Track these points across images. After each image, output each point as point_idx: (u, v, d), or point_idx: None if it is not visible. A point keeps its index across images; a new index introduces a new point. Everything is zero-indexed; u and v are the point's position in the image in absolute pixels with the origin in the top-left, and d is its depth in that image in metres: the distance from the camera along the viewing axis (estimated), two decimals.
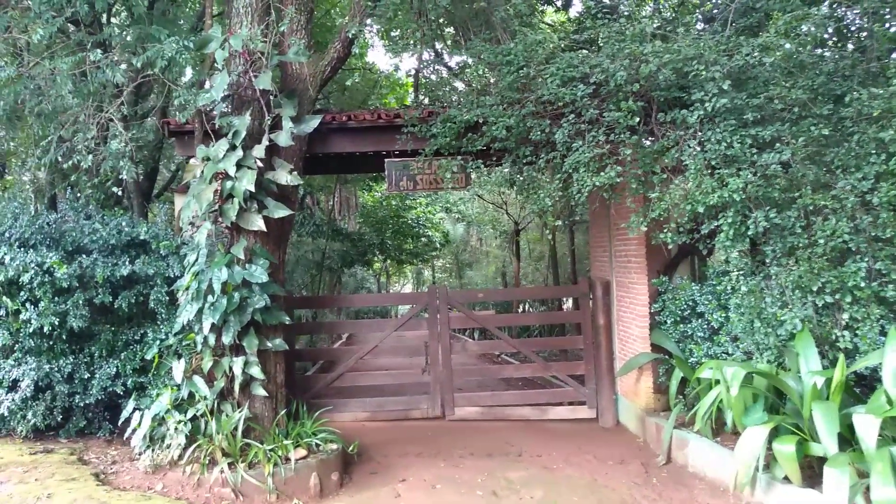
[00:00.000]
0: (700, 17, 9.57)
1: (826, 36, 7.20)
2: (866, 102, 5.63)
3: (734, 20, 7.41)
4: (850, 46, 7.19)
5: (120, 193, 8.21)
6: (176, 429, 5.96)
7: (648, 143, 6.57)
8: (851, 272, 5.21)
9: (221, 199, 6.41)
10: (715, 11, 8.87)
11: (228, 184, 6.34)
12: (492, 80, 7.88)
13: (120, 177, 7.12)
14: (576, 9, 12.23)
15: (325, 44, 7.96)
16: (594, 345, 8.50)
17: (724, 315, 6.47)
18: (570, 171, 6.51)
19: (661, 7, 10.08)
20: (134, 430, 6.24)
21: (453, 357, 8.69)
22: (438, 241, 24.15)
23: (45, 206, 10.03)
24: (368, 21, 10.22)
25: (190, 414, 6.10)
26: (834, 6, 6.98)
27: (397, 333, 8.84)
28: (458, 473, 6.52)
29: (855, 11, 7.03)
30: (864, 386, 5.54)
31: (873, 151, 5.42)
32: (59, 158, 7.02)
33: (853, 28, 7.34)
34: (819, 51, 7.09)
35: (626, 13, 8.93)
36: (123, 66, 6.97)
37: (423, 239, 22.74)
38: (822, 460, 4.80)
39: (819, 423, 4.84)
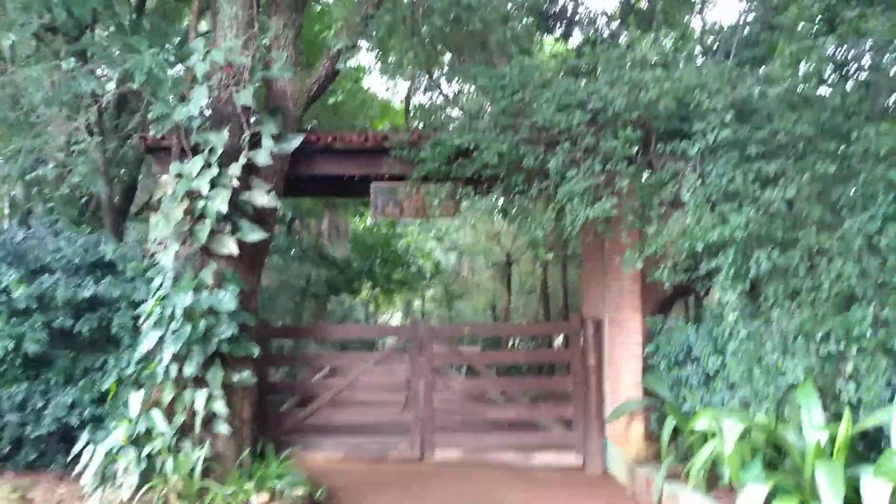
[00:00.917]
0: (700, 49, 9.37)
1: (827, 73, 6.95)
2: (873, 140, 5.35)
3: (737, 52, 7.17)
4: (850, 84, 6.94)
5: (94, 210, 7.86)
6: (128, 467, 5.50)
7: (646, 174, 6.28)
8: (857, 320, 4.85)
9: (193, 219, 6.05)
10: (717, 45, 8.66)
11: (200, 203, 5.99)
12: (487, 106, 7.59)
13: (94, 189, 6.74)
14: (576, 39, 12.05)
15: (316, 64, 7.68)
16: (584, 386, 8.07)
17: (720, 361, 6.09)
18: (564, 201, 6.20)
19: (661, 37, 9.87)
20: (85, 466, 5.78)
21: (436, 395, 8.25)
22: (429, 271, 23.72)
23: (18, 220, 9.64)
24: (363, 43, 10.00)
25: (146, 451, 5.64)
26: (839, 39, 6.74)
27: (379, 368, 8.42)
28: None
29: (860, 48, 6.79)
30: (866, 442, 5.14)
31: (881, 192, 5.11)
32: (24, 169, 6.67)
33: (853, 67, 7.10)
34: (821, 88, 6.85)
35: (626, 43, 8.72)
36: (110, 81, 6.66)
37: (412, 268, 22.30)
38: None
39: (823, 485, 4.43)
